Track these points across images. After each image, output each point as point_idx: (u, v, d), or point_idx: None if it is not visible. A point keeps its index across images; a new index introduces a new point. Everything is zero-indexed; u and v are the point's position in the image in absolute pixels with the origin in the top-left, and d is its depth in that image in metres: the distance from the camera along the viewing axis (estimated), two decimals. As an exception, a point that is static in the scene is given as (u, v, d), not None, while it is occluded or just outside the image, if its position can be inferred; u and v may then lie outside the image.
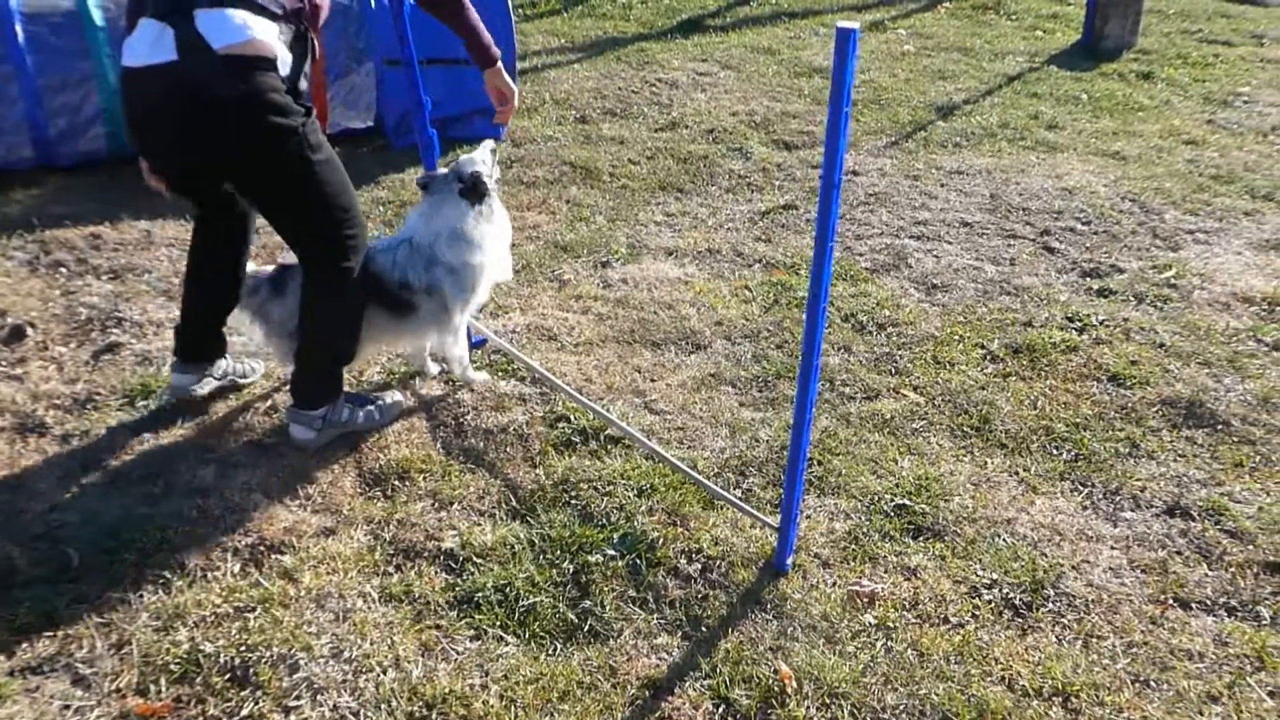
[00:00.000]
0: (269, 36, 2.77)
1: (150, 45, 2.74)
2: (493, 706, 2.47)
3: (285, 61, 2.85)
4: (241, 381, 3.66)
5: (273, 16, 2.80)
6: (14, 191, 5.08)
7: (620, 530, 3.03)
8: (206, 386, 3.56)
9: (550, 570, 2.88)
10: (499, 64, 3.38)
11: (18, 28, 4.91)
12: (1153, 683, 2.59)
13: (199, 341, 3.51)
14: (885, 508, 3.18)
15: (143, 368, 3.74)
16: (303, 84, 2.98)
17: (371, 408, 3.47)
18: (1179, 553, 3.04)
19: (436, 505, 3.15)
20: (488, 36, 3.35)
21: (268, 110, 2.79)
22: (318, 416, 3.34)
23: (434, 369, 3.78)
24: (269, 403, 3.60)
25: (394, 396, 3.58)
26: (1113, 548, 3.06)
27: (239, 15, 2.72)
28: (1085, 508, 3.23)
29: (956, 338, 4.16)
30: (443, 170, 3.47)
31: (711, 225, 5.17)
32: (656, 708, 2.49)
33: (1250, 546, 3.05)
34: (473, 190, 3.37)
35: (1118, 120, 6.75)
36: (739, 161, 5.97)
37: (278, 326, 3.36)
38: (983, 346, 4.10)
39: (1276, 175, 5.80)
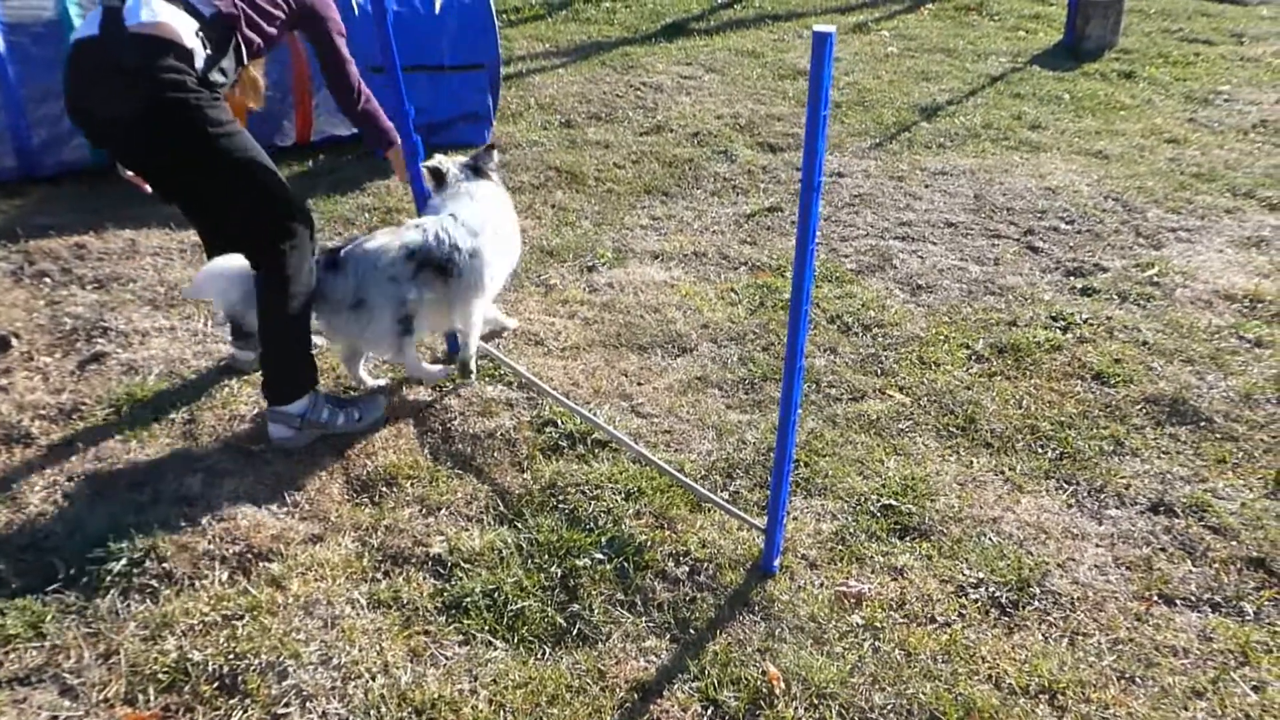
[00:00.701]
0: (178, 25, 3.03)
1: (87, 23, 3.08)
2: (482, 711, 2.47)
3: (199, 54, 3.08)
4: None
5: (195, 14, 3.09)
6: (-3, 201, 5.07)
7: (608, 534, 3.04)
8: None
9: (538, 574, 2.89)
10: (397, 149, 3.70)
11: (-1, 38, 4.90)
12: (1138, 679, 2.61)
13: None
14: (872, 508, 3.19)
15: (128, 377, 3.73)
16: (216, 77, 3.17)
17: (353, 409, 3.49)
18: (1163, 549, 3.06)
19: (424, 511, 3.16)
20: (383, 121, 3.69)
21: (164, 85, 3.00)
22: (296, 415, 3.36)
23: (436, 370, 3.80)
24: (255, 411, 3.60)
25: (376, 401, 3.58)
26: (1098, 545, 3.08)
27: (156, 4, 3.03)
28: (1070, 506, 3.25)
29: (942, 338, 4.18)
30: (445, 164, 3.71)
31: (697, 228, 5.19)
32: (645, 710, 2.50)
33: (1233, 542, 3.08)
34: (485, 167, 3.77)
35: (1100, 119, 6.79)
36: (724, 164, 5.99)
37: (333, 305, 3.42)
38: (968, 346, 4.12)
39: (1257, 173, 5.84)
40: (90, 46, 3.04)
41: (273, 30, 3.37)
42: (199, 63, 3.08)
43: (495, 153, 3.83)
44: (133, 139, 3.14)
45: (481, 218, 3.57)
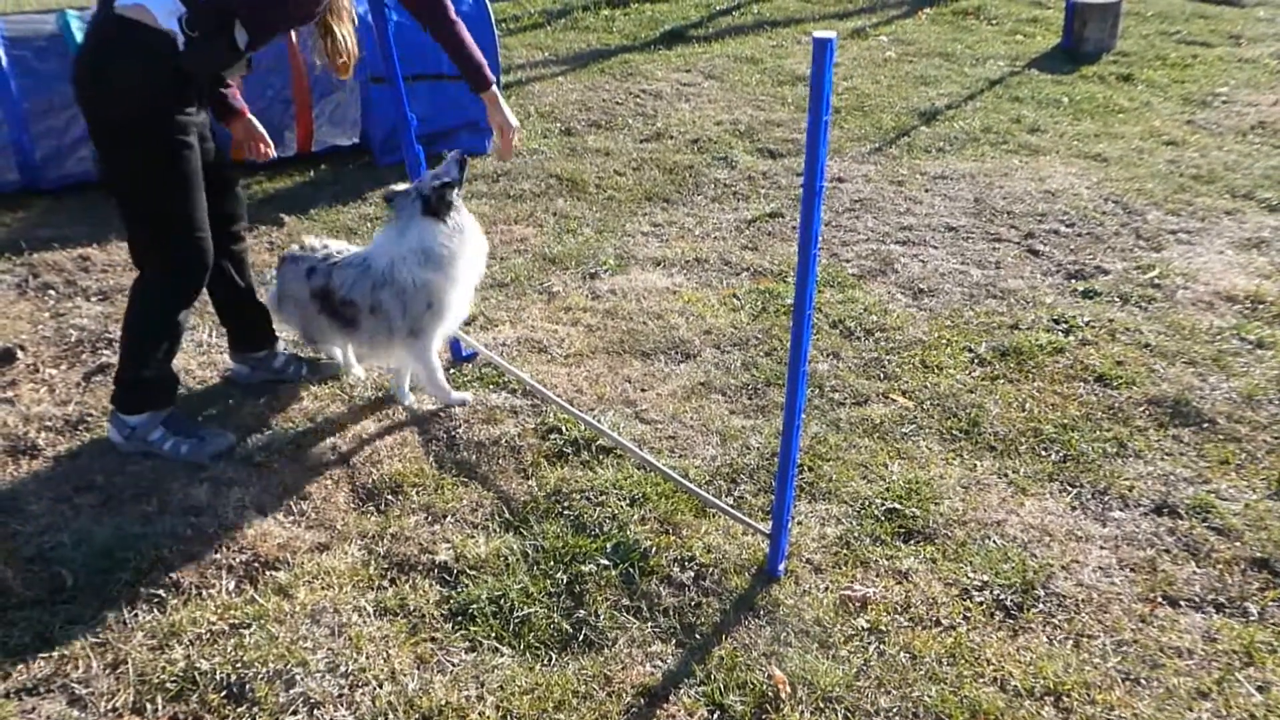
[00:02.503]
0: (161, 13, 2.96)
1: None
2: (489, 717, 2.48)
3: (177, 39, 2.99)
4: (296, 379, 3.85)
5: (188, 3, 2.98)
6: (1, 215, 5.09)
7: (613, 540, 3.05)
8: (258, 376, 3.81)
9: (544, 581, 2.90)
10: (494, 90, 3.47)
11: (1, 52, 4.93)
12: (1143, 680, 2.61)
13: (238, 332, 3.77)
14: (876, 512, 3.20)
15: (133, 388, 3.74)
16: (197, 65, 3.10)
17: (186, 442, 3.41)
18: (1167, 551, 3.07)
19: (430, 518, 3.17)
20: (479, 57, 3.44)
21: (133, 66, 3.00)
22: (128, 425, 3.37)
23: (409, 399, 3.73)
24: (261, 421, 3.61)
25: (222, 437, 3.48)
26: (1102, 547, 3.08)
27: None
28: (1074, 508, 3.26)
29: (944, 342, 4.19)
30: (404, 186, 3.47)
31: (698, 235, 5.20)
32: (652, 715, 2.51)
33: (1237, 543, 3.08)
34: (439, 205, 3.37)
35: (1099, 122, 6.80)
36: (724, 170, 6.00)
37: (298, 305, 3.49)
38: (970, 350, 4.13)
39: (1256, 174, 5.85)
40: (90, 28, 3.09)
41: (278, 8, 3.18)
42: (178, 46, 3.00)
43: (459, 167, 3.48)
44: (96, 127, 3.14)
45: (404, 265, 3.39)
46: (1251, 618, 2.82)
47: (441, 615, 2.80)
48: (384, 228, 3.53)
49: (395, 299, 3.39)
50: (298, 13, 3.22)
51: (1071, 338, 4.20)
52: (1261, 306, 4.41)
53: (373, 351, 3.63)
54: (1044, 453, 3.51)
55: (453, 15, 3.41)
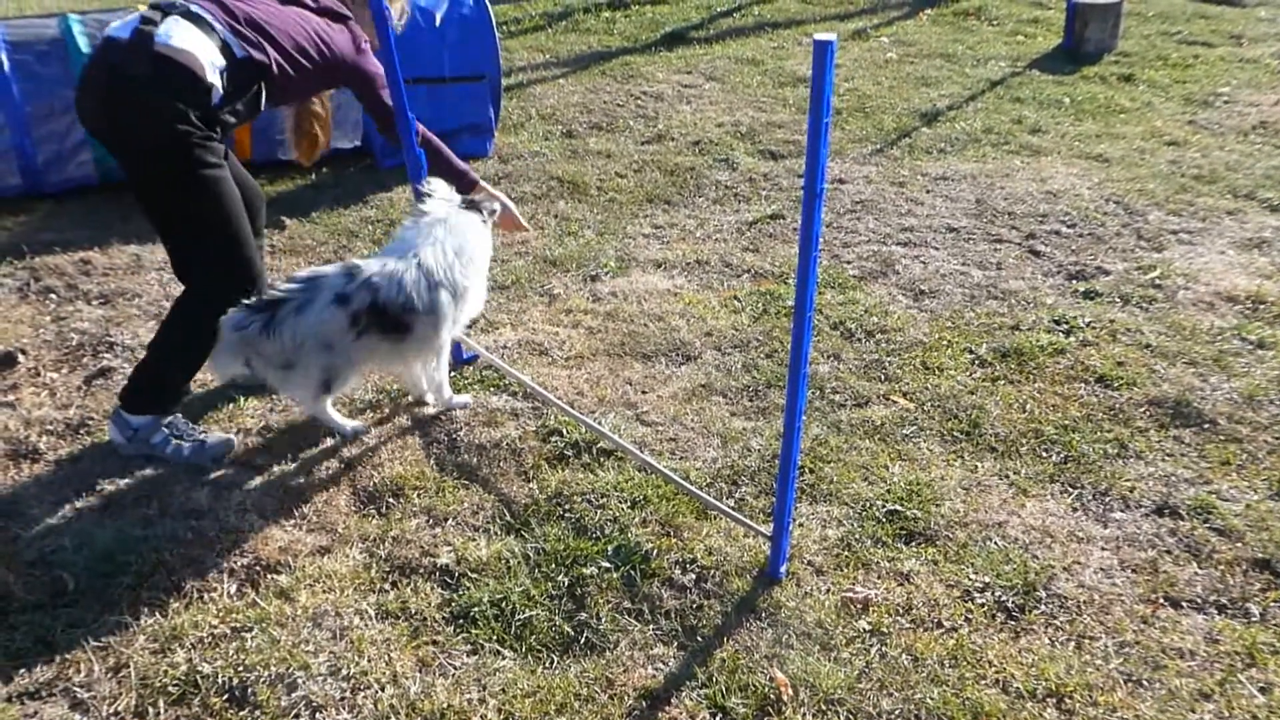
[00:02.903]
0: (203, 58, 3.06)
1: (122, 26, 3.11)
2: (491, 721, 2.48)
3: (215, 90, 3.10)
4: None
5: (227, 52, 3.13)
6: (3, 219, 5.10)
7: (614, 542, 3.05)
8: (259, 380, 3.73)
9: (545, 583, 2.90)
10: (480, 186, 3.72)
11: (3, 56, 4.94)
12: (1145, 682, 2.61)
13: None
14: (877, 514, 3.20)
15: (135, 391, 3.75)
16: (227, 116, 3.21)
17: (187, 445, 3.42)
18: (1169, 552, 3.06)
19: (431, 521, 3.17)
20: (460, 165, 3.71)
21: (166, 111, 3.04)
22: (132, 426, 3.38)
23: (431, 398, 3.72)
24: (262, 424, 3.61)
25: (221, 438, 3.48)
26: (1103, 548, 3.08)
27: (189, 33, 3.07)
28: (1075, 509, 3.26)
29: (945, 343, 4.19)
30: (449, 192, 3.49)
31: (699, 236, 5.20)
32: (654, 718, 2.51)
33: (1239, 544, 3.08)
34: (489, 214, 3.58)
35: (1100, 123, 6.80)
36: (725, 172, 6.00)
37: (268, 360, 3.23)
38: (971, 351, 4.13)
39: (1258, 174, 5.84)
40: (117, 48, 3.07)
41: (302, 82, 3.38)
42: (214, 99, 3.11)
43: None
44: (120, 149, 3.18)
45: (459, 267, 3.38)
46: (1253, 619, 2.81)
47: (443, 618, 2.80)
48: (416, 229, 3.39)
49: (450, 300, 3.32)
50: (318, 88, 3.51)
51: (1072, 338, 4.20)
52: (1263, 307, 4.41)
53: (407, 360, 3.52)
54: (1045, 454, 3.51)
55: (424, 132, 3.61)
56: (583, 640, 2.73)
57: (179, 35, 3.04)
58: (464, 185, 3.65)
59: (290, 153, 3.75)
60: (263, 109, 3.35)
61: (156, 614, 2.78)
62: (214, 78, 3.08)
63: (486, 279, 3.58)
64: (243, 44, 3.17)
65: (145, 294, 4.45)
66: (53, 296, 4.44)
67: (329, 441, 3.53)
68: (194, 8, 3.12)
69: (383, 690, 2.56)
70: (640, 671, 2.63)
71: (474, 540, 3.08)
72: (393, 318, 3.22)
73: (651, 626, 2.78)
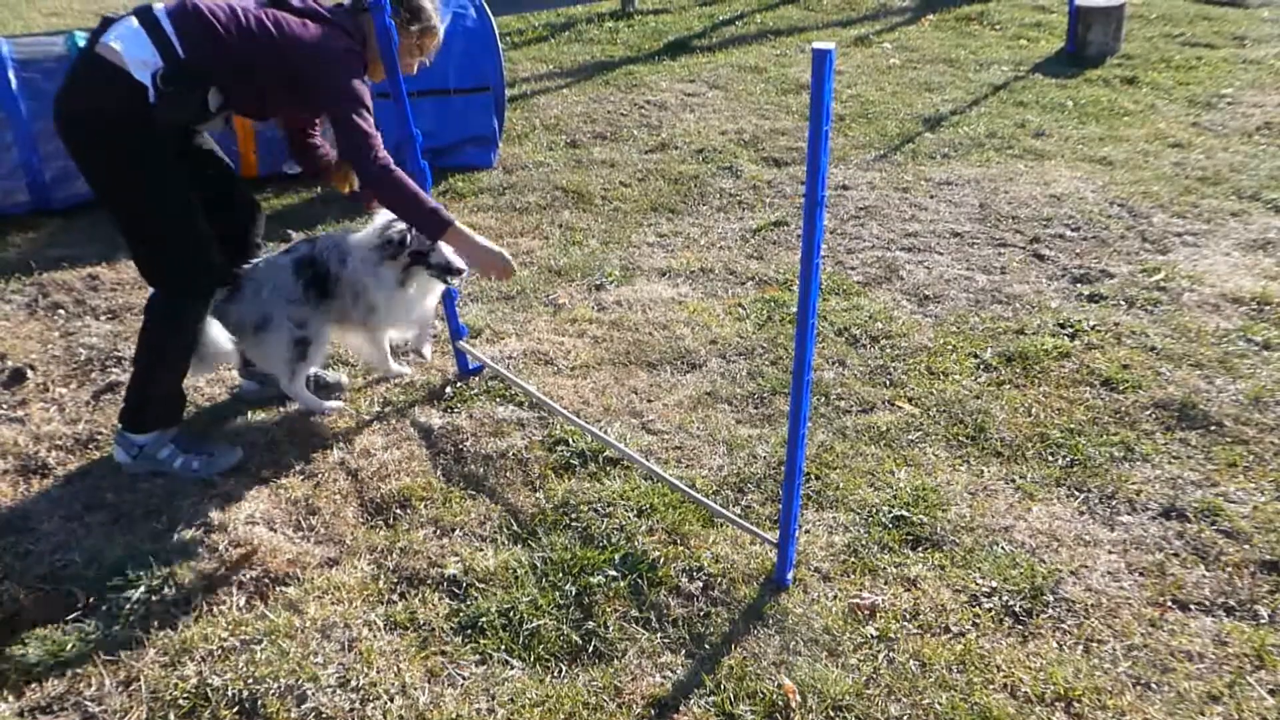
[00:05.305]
0: (132, 59, 3.02)
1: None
2: (499, 731, 2.49)
3: (149, 92, 3.05)
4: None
5: (167, 54, 3.05)
6: (11, 236, 5.14)
7: (621, 551, 3.05)
8: (266, 393, 3.84)
9: (553, 593, 2.90)
10: (457, 228, 3.31)
11: (11, 74, 4.98)
12: (1154, 685, 2.61)
13: None
14: (883, 519, 3.20)
15: (143, 406, 3.77)
16: (175, 116, 3.14)
17: (196, 460, 3.44)
18: (1176, 554, 3.06)
19: (438, 532, 3.18)
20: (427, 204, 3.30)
21: (94, 99, 3.07)
22: (136, 445, 3.39)
23: (425, 352, 4.04)
24: (268, 437, 3.63)
25: (231, 452, 3.51)
26: (1110, 552, 3.08)
27: (126, 34, 3.05)
28: (1082, 513, 3.25)
29: (950, 348, 4.19)
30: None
31: (704, 244, 5.21)
32: (662, 726, 2.51)
33: (1246, 546, 3.08)
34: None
35: (1103, 126, 6.80)
36: (729, 180, 6.02)
37: (235, 328, 3.47)
38: (976, 356, 4.13)
39: (1262, 175, 5.84)
40: (79, 54, 3.16)
41: (264, 81, 3.24)
42: (149, 97, 3.05)
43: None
44: (70, 150, 3.18)
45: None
46: (1262, 621, 2.81)
47: (451, 628, 2.81)
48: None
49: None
50: (286, 97, 3.35)
51: (1077, 342, 4.20)
52: (1268, 308, 4.40)
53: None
54: (1051, 458, 3.51)
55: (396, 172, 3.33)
56: (591, 649, 2.73)
57: (115, 35, 3.04)
58: (434, 229, 3.27)
59: (330, 185, 3.88)
60: (216, 111, 3.22)
61: (166, 627, 2.79)
62: (141, 76, 3.02)
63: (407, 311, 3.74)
64: (189, 45, 3.07)
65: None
66: (61, 312, 4.47)
67: (336, 454, 3.54)
68: (155, 9, 3.10)
69: (392, 701, 2.57)
70: (648, 680, 2.64)
71: (481, 550, 3.09)
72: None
73: (659, 635, 2.78)
